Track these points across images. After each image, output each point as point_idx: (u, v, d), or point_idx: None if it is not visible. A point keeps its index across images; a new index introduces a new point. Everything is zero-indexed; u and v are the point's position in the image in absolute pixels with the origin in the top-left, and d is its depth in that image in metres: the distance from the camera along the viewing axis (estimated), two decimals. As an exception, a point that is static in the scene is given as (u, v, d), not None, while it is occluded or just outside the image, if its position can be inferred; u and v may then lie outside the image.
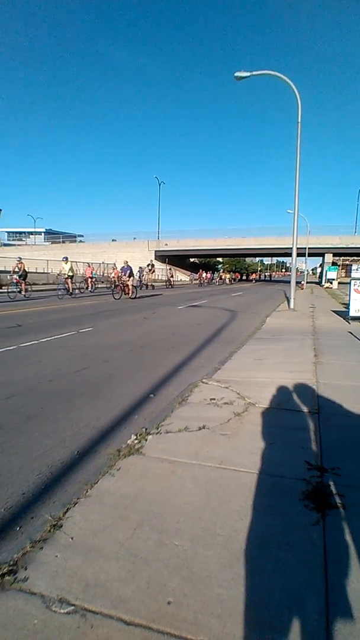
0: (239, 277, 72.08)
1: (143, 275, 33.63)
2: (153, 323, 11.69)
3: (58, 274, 21.21)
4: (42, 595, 1.79)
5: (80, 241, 70.41)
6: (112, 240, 62.36)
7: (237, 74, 15.08)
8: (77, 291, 22.30)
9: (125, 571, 1.94)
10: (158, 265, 53.70)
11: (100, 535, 2.21)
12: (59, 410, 4.37)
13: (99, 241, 62.77)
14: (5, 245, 55.44)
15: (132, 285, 20.53)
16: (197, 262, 73.04)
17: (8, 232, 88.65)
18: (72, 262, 20.89)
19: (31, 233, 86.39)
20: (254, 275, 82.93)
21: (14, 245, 70.63)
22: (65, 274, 20.12)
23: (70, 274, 20.19)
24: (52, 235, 77.71)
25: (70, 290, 20.34)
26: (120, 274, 20.89)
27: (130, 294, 20.31)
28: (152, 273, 33.84)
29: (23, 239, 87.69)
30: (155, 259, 55.78)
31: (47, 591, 1.81)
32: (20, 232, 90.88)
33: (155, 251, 56.96)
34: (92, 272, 26.58)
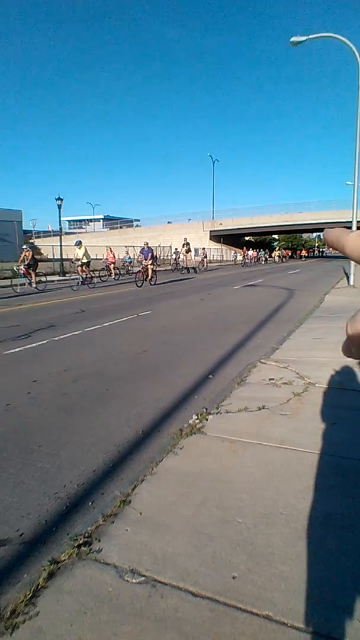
0: (289, 254, 64.63)
1: (179, 257, 29.70)
2: (209, 304, 11.72)
3: (72, 261, 18.15)
4: (115, 565, 1.93)
5: (137, 225, 71.01)
6: (168, 222, 62.25)
7: (293, 39, 14.38)
8: (97, 280, 19.23)
9: (191, 546, 2.04)
10: (213, 245, 53.14)
11: (167, 511, 2.32)
12: (123, 391, 4.56)
13: (154, 224, 62.95)
14: (66, 233, 57.05)
15: (153, 270, 17.97)
16: (252, 240, 71.46)
17: (69, 221, 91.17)
18: (128, 246, 19.32)
19: (90, 220, 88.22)
20: (304, 251, 72.37)
21: (74, 233, 72.65)
22: (79, 260, 16.97)
23: (85, 260, 17.01)
24: (110, 221, 78.81)
25: (91, 278, 17.60)
26: (140, 258, 18.06)
27: (150, 280, 17.76)
28: (188, 254, 28.91)
29: (83, 226, 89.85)
30: (210, 239, 55.27)
31: (120, 562, 1.95)
32: (80, 220, 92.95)
33: (210, 231, 56.38)
34: (115, 257, 22.70)
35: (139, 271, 17.57)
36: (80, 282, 16.79)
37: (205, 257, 32.79)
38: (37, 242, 54.47)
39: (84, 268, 16.99)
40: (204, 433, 3.31)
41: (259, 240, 72.33)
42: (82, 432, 3.60)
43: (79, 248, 16.99)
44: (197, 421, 3.55)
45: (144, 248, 17.95)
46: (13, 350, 6.43)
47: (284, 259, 52.67)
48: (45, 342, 7.01)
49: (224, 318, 9.17)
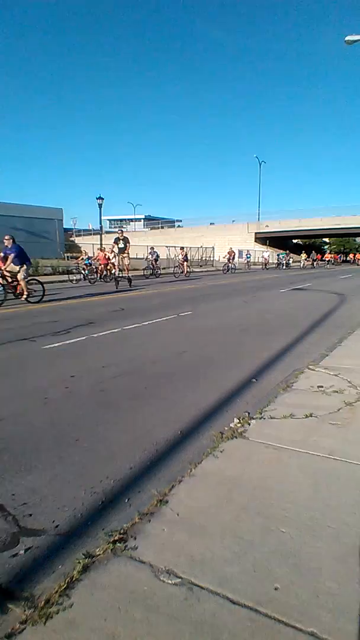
0: (320, 257, 53.38)
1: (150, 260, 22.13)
2: (253, 306, 11.50)
3: None
4: (151, 564, 1.86)
5: (179, 226, 71.06)
6: (210, 223, 61.71)
7: (348, 37, 14.01)
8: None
9: (230, 552, 1.94)
10: (258, 247, 52.19)
11: (205, 514, 2.23)
12: (162, 391, 4.50)
13: (197, 225, 62.50)
14: (107, 232, 58.11)
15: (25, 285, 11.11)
16: (301, 243, 70.03)
17: (110, 220, 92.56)
18: (170, 247, 16.80)
19: (131, 220, 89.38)
20: (328, 255, 58.76)
21: (114, 232, 73.74)
22: None
23: None
24: (151, 222, 79.35)
25: None
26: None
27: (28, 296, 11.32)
28: (122, 255, 16.49)
29: (124, 226, 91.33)
30: (255, 241, 54.56)
31: (155, 561, 1.88)
32: (120, 220, 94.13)
33: (255, 233, 55.59)
34: (106, 257, 18.13)
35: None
36: None
37: (186, 259, 24.27)
38: (77, 240, 55.27)
39: None
40: (246, 438, 3.19)
41: (307, 243, 70.61)
42: (119, 428, 3.56)
43: None
44: (239, 425, 3.43)
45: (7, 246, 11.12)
46: (52, 345, 6.52)
47: (314, 263, 45.77)
48: (84, 338, 7.07)
49: (270, 321, 8.94)
